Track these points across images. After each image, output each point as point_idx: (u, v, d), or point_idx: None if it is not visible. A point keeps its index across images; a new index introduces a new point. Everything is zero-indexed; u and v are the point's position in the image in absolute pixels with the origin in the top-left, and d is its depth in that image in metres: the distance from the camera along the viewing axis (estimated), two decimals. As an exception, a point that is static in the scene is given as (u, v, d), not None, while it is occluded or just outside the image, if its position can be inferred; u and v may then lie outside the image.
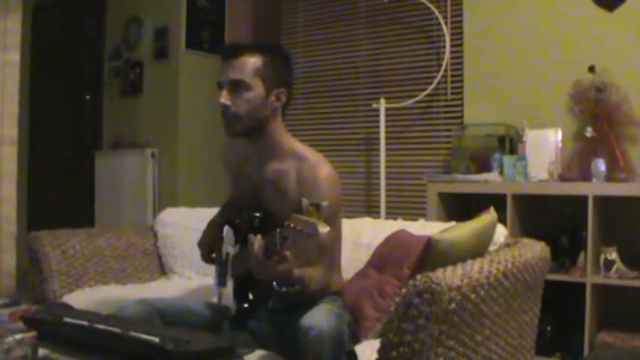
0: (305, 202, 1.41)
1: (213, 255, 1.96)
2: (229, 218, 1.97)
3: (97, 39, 4.66)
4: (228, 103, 1.76)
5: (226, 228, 1.98)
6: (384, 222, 2.53)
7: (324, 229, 1.32)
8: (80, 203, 4.55)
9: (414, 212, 3.48)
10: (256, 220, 1.75)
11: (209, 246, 1.96)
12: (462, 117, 3.57)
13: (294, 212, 1.46)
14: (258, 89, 1.77)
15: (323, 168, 1.75)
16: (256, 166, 1.87)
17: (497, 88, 3.42)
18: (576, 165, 3.07)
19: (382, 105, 3.64)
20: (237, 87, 1.76)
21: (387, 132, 3.64)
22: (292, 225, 1.36)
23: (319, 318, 1.49)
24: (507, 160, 3.07)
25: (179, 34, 4.23)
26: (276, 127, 1.83)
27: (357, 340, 1.77)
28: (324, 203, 1.38)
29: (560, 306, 2.83)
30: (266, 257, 1.49)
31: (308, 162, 1.77)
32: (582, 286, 2.75)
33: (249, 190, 1.90)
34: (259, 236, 1.52)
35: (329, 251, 1.60)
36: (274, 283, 1.57)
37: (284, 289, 1.56)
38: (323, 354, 1.45)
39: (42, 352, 1.41)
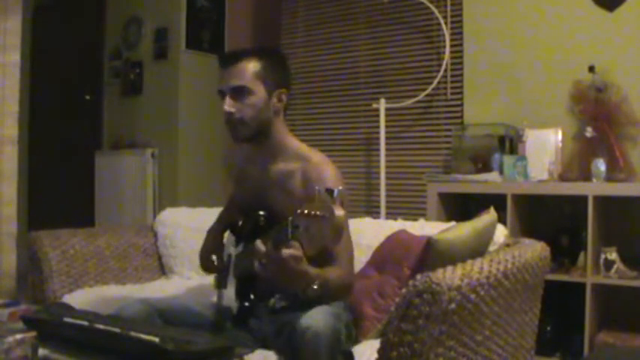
0: (318, 189, 1.41)
1: (214, 262, 1.97)
2: (229, 223, 1.98)
3: (97, 39, 4.66)
4: (232, 110, 1.77)
5: (227, 233, 1.98)
6: (384, 222, 2.53)
7: (340, 211, 1.32)
8: (80, 203, 4.55)
9: (414, 212, 3.48)
10: (261, 218, 1.75)
11: (209, 254, 1.98)
12: (462, 117, 3.57)
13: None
14: (260, 93, 1.78)
15: (328, 168, 1.77)
16: (260, 168, 1.88)
17: (497, 88, 3.42)
18: (576, 165, 3.07)
19: (382, 105, 3.64)
20: (239, 93, 1.77)
21: (387, 132, 3.64)
22: (305, 212, 1.36)
23: (316, 318, 1.49)
24: (507, 160, 3.07)
25: (179, 34, 4.23)
26: (279, 128, 1.84)
27: (355, 340, 1.76)
28: (339, 188, 1.38)
29: (560, 306, 2.83)
30: (275, 248, 1.49)
31: (313, 162, 1.78)
32: (582, 286, 2.75)
33: (253, 191, 1.90)
34: (259, 240, 1.52)
35: (344, 237, 1.59)
36: (297, 289, 1.56)
37: (308, 290, 1.55)
38: (319, 354, 1.45)
39: (42, 352, 1.41)
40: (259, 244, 1.55)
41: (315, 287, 1.55)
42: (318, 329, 1.46)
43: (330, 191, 1.37)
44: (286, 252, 1.47)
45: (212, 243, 2.00)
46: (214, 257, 1.99)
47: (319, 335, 1.46)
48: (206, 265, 2.00)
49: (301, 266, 1.51)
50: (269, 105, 1.80)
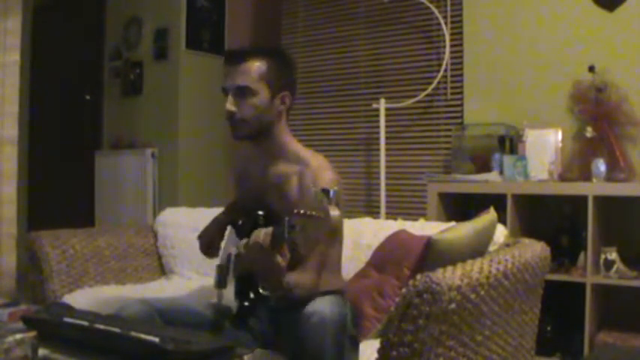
0: (314, 189, 1.41)
1: (212, 248, 1.97)
2: (232, 219, 1.98)
3: (97, 39, 4.66)
4: (234, 109, 1.78)
5: (229, 229, 1.98)
6: (384, 222, 2.53)
7: (335, 212, 1.32)
8: (80, 203, 4.55)
9: (414, 212, 3.48)
10: (260, 218, 1.75)
11: (209, 238, 1.98)
12: (462, 117, 3.57)
13: None
14: (263, 94, 1.78)
15: (325, 174, 1.76)
16: (260, 169, 1.88)
17: (497, 88, 3.42)
18: (576, 165, 3.07)
19: (382, 105, 3.64)
20: (243, 93, 1.78)
21: (387, 132, 3.64)
22: (302, 212, 1.37)
23: (322, 305, 1.50)
24: (507, 160, 3.07)
25: (179, 34, 4.22)
26: (280, 130, 1.84)
27: (358, 329, 1.76)
28: (334, 189, 1.38)
29: (560, 306, 2.83)
30: (270, 246, 1.49)
31: (310, 167, 1.78)
32: (582, 286, 2.75)
33: (253, 192, 1.91)
34: (268, 230, 1.53)
35: (339, 236, 1.59)
36: (261, 286, 1.57)
37: (267, 292, 1.55)
38: (325, 338, 1.45)
39: (42, 352, 1.41)
40: (258, 236, 1.54)
41: (278, 292, 1.56)
42: (324, 314, 1.47)
43: (326, 191, 1.37)
44: (276, 260, 1.48)
45: (213, 230, 1.99)
46: (213, 244, 1.99)
47: (325, 320, 1.46)
48: (203, 248, 1.99)
49: (278, 278, 1.52)
50: (272, 106, 1.80)
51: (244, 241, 1.84)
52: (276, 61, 1.82)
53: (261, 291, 1.57)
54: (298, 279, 1.62)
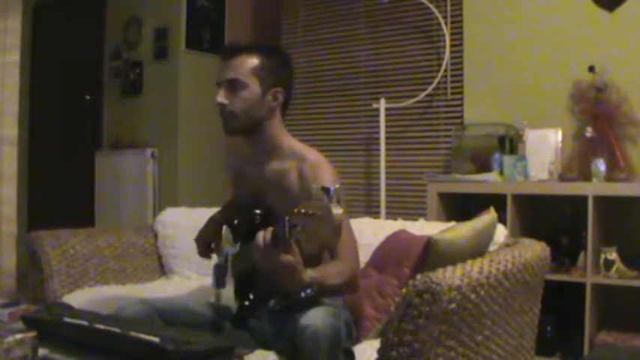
0: (314, 187, 1.41)
1: (212, 248, 1.97)
2: (228, 218, 1.98)
3: (97, 39, 4.66)
4: (224, 101, 1.80)
5: (225, 228, 1.98)
6: (384, 222, 2.53)
7: (337, 210, 1.32)
8: (80, 203, 4.55)
9: (414, 212, 3.48)
10: (258, 217, 1.76)
11: (206, 240, 1.97)
12: (462, 117, 3.57)
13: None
14: (254, 88, 1.79)
15: (324, 167, 1.77)
16: (256, 167, 1.88)
17: (497, 88, 3.42)
18: (576, 165, 3.07)
19: (382, 105, 3.64)
20: (233, 86, 1.79)
21: (387, 132, 3.64)
22: (302, 211, 1.36)
23: (315, 317, 1.49)
24: (507, 160, 3.07)
25: (179, 34, 4.23)
26: (274, 126, 1.85)
27: (355, 338, 1.76)
28: (335, 186, 1.38)
29: (560, 306, 2.83)
30: (273, 247, 1.49)
31: (308, 161, 1.78)
32: (582, 286, 2.75)
33: (250, 190, 1.91)
34: (269, 228, 1.52)
35: (342, 233, 1.59)
36: (290, 290, 1.55)
37: (302, 294, 1.54)
38: (319, 353, 1.45)
39: (42, 352, 1.41)
40: (260, 238, 1.54)
41: (309, 291, 1.54)
42: (317, 327, 1.47)
43: (326, 189, 1.37)
44: (284, 258, 1.47)
45: (209, 230, 1.99)
46: (212, 245, 1.99)
47: (318, 333, 1.46)
48: (201, 251, 2.00)
49: (296, 276, 1.51)
50: (263, 102, 1.81)
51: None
52: (269, 57, 1.83)
53: (285, 298, 1.55)
54: (328, 272, 1.63)
